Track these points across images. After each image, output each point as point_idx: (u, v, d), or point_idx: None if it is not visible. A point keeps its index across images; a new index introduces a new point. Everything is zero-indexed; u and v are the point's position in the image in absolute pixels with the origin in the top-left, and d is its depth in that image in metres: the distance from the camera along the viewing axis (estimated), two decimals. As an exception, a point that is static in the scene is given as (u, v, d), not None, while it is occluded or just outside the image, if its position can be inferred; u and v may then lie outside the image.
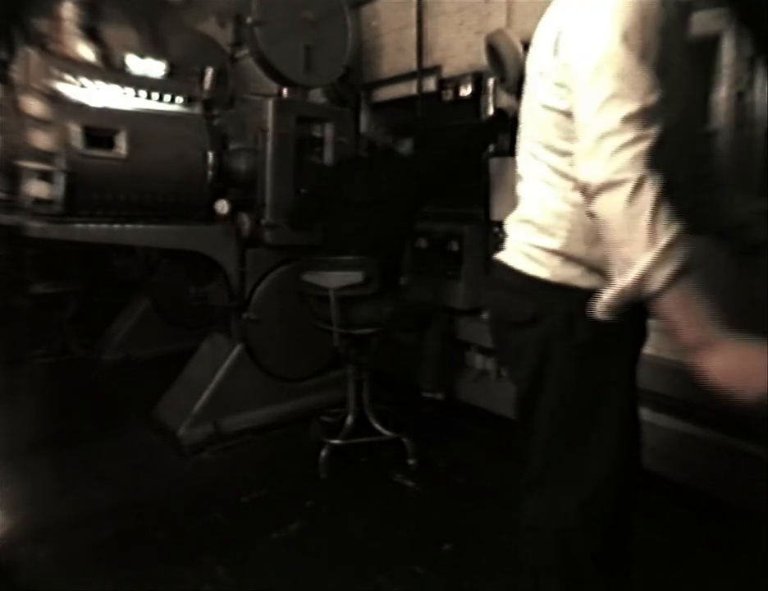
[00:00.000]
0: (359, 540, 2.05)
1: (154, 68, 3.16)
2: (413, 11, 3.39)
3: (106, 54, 3.06)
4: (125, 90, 2.85)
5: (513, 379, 1.22)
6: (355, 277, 2.32)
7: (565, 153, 1.03)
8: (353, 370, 2.62)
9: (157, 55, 3.28)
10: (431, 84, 3.36)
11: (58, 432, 2.88)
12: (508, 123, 2.85)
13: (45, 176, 2.36)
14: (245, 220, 2.79)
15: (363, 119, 3.78)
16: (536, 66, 1.13)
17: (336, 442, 2.52)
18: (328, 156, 3.05)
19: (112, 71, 3.00)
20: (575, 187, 0.96)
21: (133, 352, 3.95)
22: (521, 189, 1.21)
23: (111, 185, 2.54)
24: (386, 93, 3.72)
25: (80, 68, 2.77)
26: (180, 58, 3.52)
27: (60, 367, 3.87)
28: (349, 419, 2.59)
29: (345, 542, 2.05)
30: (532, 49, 1.17)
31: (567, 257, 1.07)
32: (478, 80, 3.04)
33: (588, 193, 0.90)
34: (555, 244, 1.08)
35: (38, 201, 2.37)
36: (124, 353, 3.95)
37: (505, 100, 2.95)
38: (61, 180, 2.35)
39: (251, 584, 1.84)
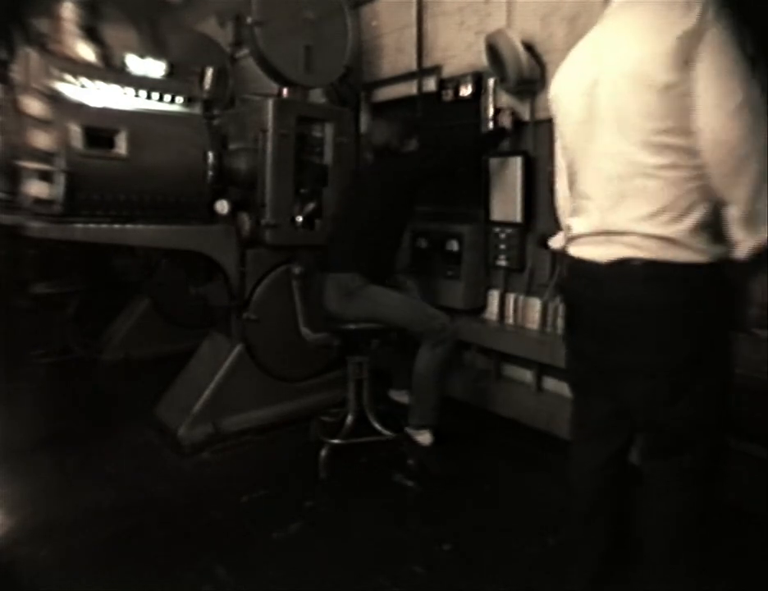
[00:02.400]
0: (359, 540, 2.05)
1: (154, 68, 3.16)
2: (413, 11, 3.40)
3: (106, 54, 3.05)
4: (125, 90, 2.85)
5: (656, 365, 1.27)
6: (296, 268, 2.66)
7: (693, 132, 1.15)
8: (353, 370, 2.62)
9: (157, 55, 3.28)
10: (431, 84, 3.36)
11: (58, 432, 2.88)
12: (506, 138, 2.88)
13: (45, 176, 2.36)
14: (245, 220, 2.79)
15: (363, 119, 3.79)
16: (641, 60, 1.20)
17: (336, 441, 2.52)
18: (328, 156, 3.05)
19: (112, 70, 3.00)
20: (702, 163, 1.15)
21: (133, 352, 3.95)
22: (623, 187, 1.25)
23: (111, 185, 2.54)
24: (386, 93, 3.72)
25: (80, 68, 2.77)
26: (180, 58, 3.52)
27: (60, 367, 3.87)
28: (349, 419, 2.59)
29: (345, 542, 2.05)
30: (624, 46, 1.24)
31: (710, 231, 1.19)
32: (478, 80, 3.05)
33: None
34: (700, 222, 1.18)
35: (38, 201, 2.37)
36: (124, 353, 3.95)
37: (505, 100, 2.96)
38: (61, 180, 2.35)
39: (251, 584, 1.84)
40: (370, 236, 2.58)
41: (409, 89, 3.50)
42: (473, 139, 3.03)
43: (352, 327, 2.49)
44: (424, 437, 2.52)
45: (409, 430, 2.54)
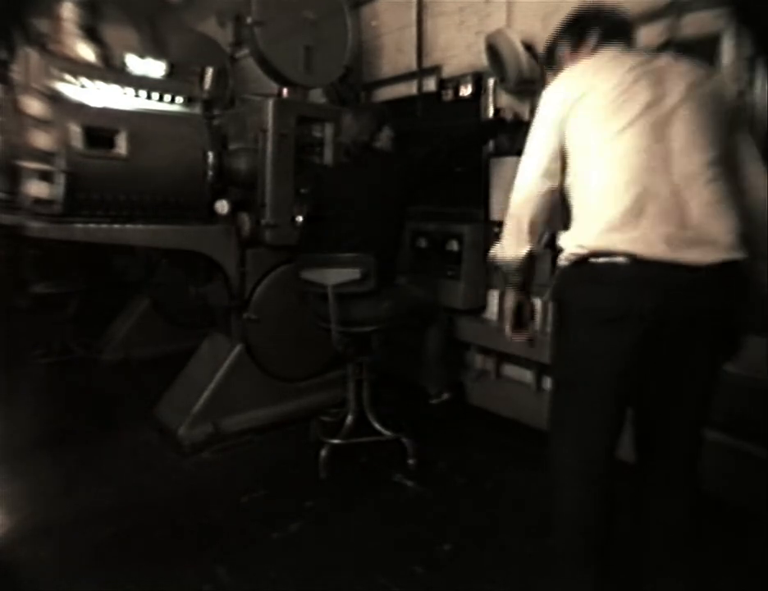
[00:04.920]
0: (359, 540, 2.05)
1: (154, 68, 3.16)
2: (413, 11, 3.40)
3: (106, 54, 3.05)
4: (125, 90, 2.85)
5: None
6: (353, 273, 2.32)
7: None
8: (353, 370, 2.62)
9: (157, 55, 3.28)
10: (431, 84, 3.36)
11: (58, 432, 2.88)
12: (505, 129, 2.87)
13: (45, 176, 2.36)
14: (245, 220, 2.79)
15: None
16: None
17: (336, 441, 2.52)
18: (328, 156, 3.05)
19: (112, 70, 3.00)
20: None
21: (133, 352, 3.95)
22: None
23: (111, 185, 2.54)
24: (386, 93, 3.72)
25: (80, 68, 2.77)
26: (180, 58, 3.52)
27: (60, 367, 3.87)
28: (349, 419, 2.59)
29: (345, 542, 2.05)
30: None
31: None
32: (478, 80, 3.04)
33: None
34: None
35: (38, 201, 2.37)
36: (124, 353, 3.95)
37: (505, 100, 2.96)
38: (61, 180, 2.35)
39: (251, 584, 1.84)
40: (379, 239, 2.53)
41: (409, 89, 3.50)
42: (469, 130, 3.01)
43: (368, 328, 2.44)
44: (448, 395, 2.72)
45: (434, 401, 2.69)
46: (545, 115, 1.48)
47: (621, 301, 1.28)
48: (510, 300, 1.65)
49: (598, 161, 1.35)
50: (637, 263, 1.24)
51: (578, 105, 1.39)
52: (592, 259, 1.31)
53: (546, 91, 1.49)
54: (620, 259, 1.26)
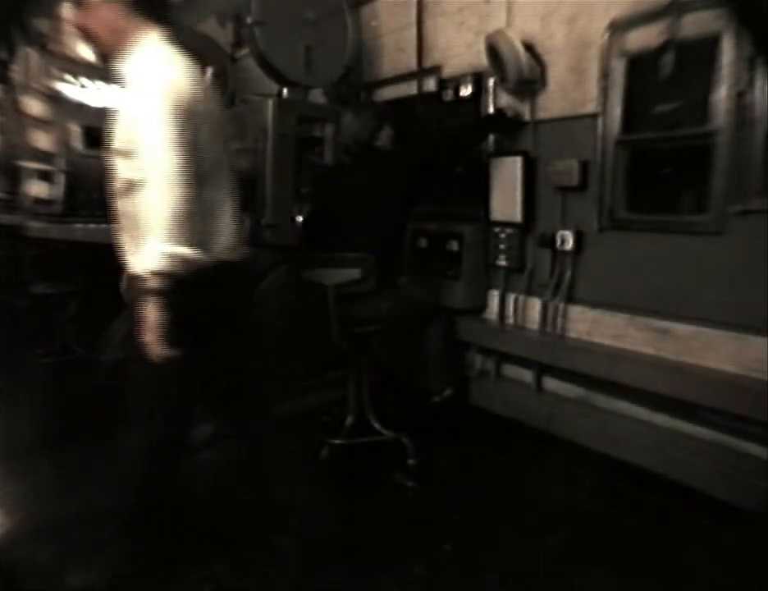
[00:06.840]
0: (359, 540, 2.05)
1: (154, 68, 3.15)
2: (413, 11, 3.39)
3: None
4: (126, 90, 2.84)
5: None
6: (353, 273, 2.32)
7: None
8: (353, 370, 2.62)
9: (157, 55, 3.27)
10: (431, 84, 3.36)
11: (58, 432, 2.88)
12: (505, 124, 2.87)
13: (45, 176, 2.36)
14: (245, 220, 2.78)
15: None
16: None
17: (336, 441, 2.52)
18: (328, 156, 3.05)
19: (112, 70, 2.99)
20: None
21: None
22: None
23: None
24: (386, 93, 3.72)
25: (80, 68, 2.77)
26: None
27: (60, 367, 3.87)
28: (349, 419, 2.59)
29: (345, 542, 2.04)
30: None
31: None
32: (478, 80, 3.05)
33: None
34: None
35: (38, 201, 2.37)
36: (124, 353, 3.94)
37: (505, 100, 2.96)
38: (61, 180, 2.35)
39: (251, 584, 1.84)
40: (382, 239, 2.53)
41: (409, 89, 3.50)
42: (468, 127, 3.00)
43: (369, 328, 2.45)
44: (451, 391, 2.73)
45: (436, 398, 2.69)
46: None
47: None
48: (154, 311, 1.56)
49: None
50: None
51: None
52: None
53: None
54: None
